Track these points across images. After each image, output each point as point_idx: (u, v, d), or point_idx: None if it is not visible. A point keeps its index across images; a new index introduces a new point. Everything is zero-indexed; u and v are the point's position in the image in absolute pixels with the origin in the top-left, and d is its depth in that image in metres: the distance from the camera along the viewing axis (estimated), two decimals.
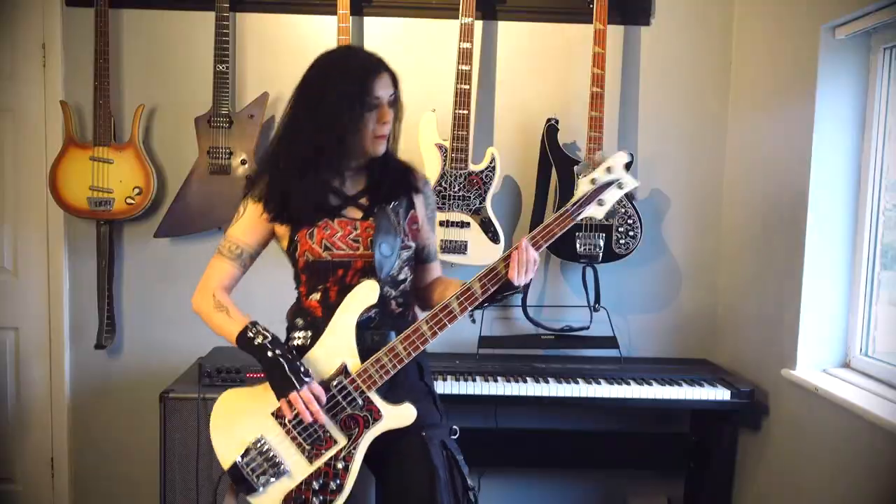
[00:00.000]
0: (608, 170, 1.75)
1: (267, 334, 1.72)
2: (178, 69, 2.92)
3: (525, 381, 2.63)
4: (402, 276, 1.83)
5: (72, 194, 2.77)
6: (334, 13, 2.73)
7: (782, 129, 2.59)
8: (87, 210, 2.79)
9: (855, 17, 2.24)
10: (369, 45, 2.91)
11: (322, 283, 1.79)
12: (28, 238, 2.97)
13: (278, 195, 1.76)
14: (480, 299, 1.71)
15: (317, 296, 1.79)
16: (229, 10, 2.77)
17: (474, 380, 2.62)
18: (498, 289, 1.72)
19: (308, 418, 1.66)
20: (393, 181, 1.83)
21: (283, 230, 1.80)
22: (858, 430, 2.14)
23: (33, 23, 2.88)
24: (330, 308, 1.76)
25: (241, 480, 1.71)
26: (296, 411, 1.66)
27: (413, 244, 1.85)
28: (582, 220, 1.75)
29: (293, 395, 1.64)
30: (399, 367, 1.71)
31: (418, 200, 1.87)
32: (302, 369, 1.67)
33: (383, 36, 2.92)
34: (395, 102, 1.76)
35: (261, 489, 1.71)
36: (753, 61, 2.83)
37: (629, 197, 1.76)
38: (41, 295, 2.98)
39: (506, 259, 1.70)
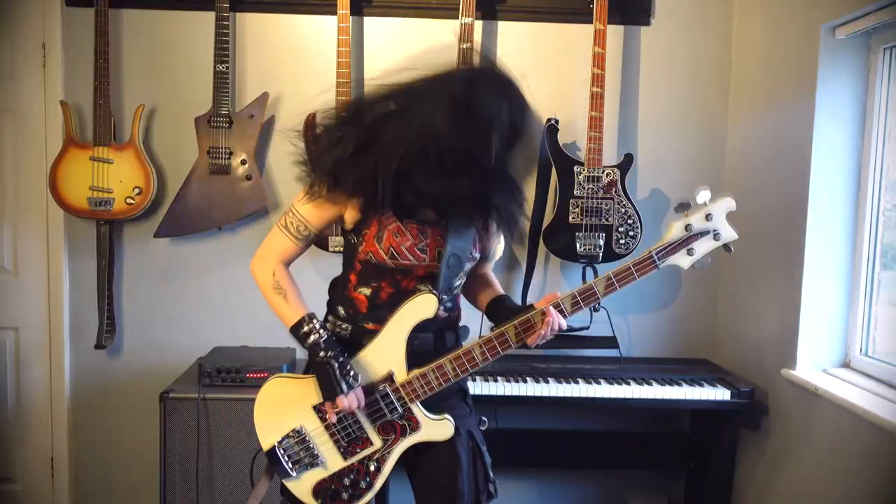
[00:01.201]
0: (707, 217, 1.58)
1: (321, 332, 1.69)
2: (178, 69, 2.92)
3: (525, 381, 2.63)
4: (456, 283, 1.81)
5: (72, 194, 2.77)
6: (334, 13, 2.73)
7: (782, 128, 2.59)
8: (87, 210, 2.79)
9: (855, 17, 2.25)
10: (369, 45, 2.91)
11: (376, 280, 1.76)
12: (28, 238, 2.97)
13: (370, 181, 1.64)
14: (544, 336, 1.69)
15: (366, 291, 1.77)
16: (229, 10, 2.77)
17: (474, 380, 2.62)
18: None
19: (349, 410, 1.68)
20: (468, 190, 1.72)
21: (351, 219, 1.73)
22: (858, 430, 2.14)
23: (33, 23, 2.88)
24: (376, 307, 1.75)
25: (277, 463, 1.75)
26: (338, 412, 1.69)
27: (479, 255, 1.82)
28: (665, 267, 1.59)
29: (339, 400, 1.66)
30: (444, 385, 1.71)
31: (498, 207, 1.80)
32: (351, 373, 1.67)
33: (383, 36, 2.91)
34: None
35: (294, 475, 1.75)
36: (753, 61, 2.83)
37: (725, 248, 1.62)
38: (41, 295, 2.98)
39: (544, 312, 1.67)
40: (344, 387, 1.65)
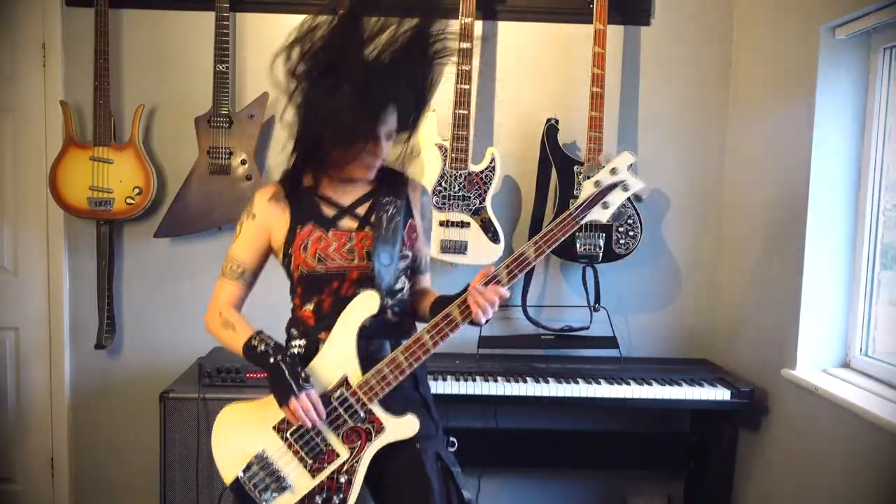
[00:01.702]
0: (612, 171, 1.72)
1: (269, 342, 1.72)
2: (178, 69, 2.92)
3: (525, 381, 2.63)
4: (398, 286, 1.81)
5: (72, 194, 2.77)
6: (334, 13, 2.73)
7: (782, 128, 2.59)
8: (87, 210, 2.79)
9: (855, 17, 2.24)
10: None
11: (317, 294, 1.77)
12: (28, 238, 2.97)
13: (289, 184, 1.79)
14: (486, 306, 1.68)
15: (310, 306, 1.78)
16: (229, 10, 2.77)
17: (474, 380, 2.62)
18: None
19: (308, 425, 1.65)
20: (390, 191, 1.80)
21: (278, 244, 1.79)
22: (858, 430, 2.14)
23: (33, 23, 2.88)
24: (323, 318, 1.75)
25: (244, 495, 1.70)
26: (297, 426, 1.66)
27: (410, 253, 1.83)
28: (586, 222, 1.72)
29: (292, 403, 1.63)
30: (401, 377, 1.69)
31: (416, 210, 1.85)
32: (302, 375, 1.66)
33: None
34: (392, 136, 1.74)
35: None
36: (753, 61, 2.83)
37: (635, 198, 1.73)
38: (41, 295, 2.98)
39: (490, 277, 1.68)
40: (295, 386, 1.63)
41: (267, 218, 1.79)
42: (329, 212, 1.78)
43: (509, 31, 2.95)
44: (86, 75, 2.82)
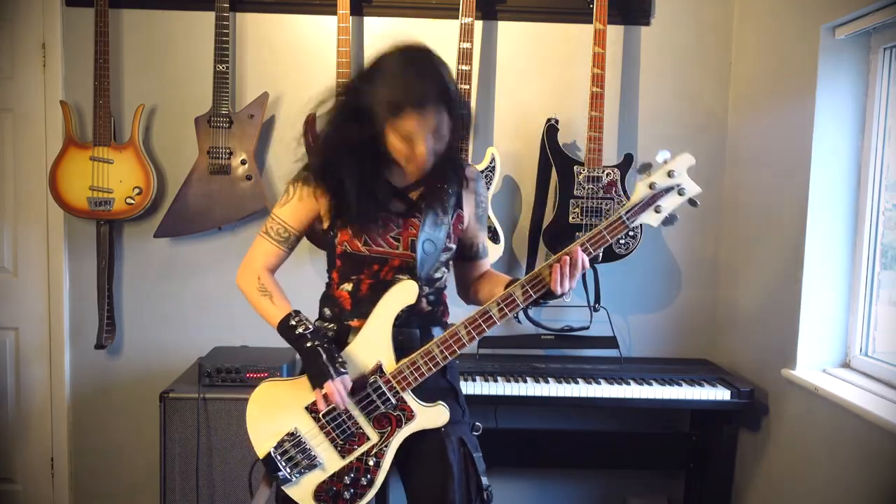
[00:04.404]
0: (669, 174, 1.63)
1: (308, 325, 1.72)
2: (178, 69, 2.92)
3: (525, 381, 2.63)
4: (437, 275, 1.82)
5: (72, 194, 2.77)
6: (334, 13, 2.74)
7: (782, 128, 2.59)
8: (87, 210, 2.79)
9: (855, 17, 2.25)
10: (369, 45, 2.92)
11: (356, 273, 1.77)
12: (28, 238, 2.97)
13: (335, 181, 1.72)
14: (522, 305, 1.69)
15: (348, 286, 1.78)
16: (229, 10, 2.77)
17: (474, 380, 2.62)
18: (541, 295, 1.69)
19: (342, 406, 1.67)
20: (443, 178, 1.76)
21: (326, 212, 1.77)
22: (858, 430, 2.14)
23: (33, 23, 2.88)
24: (359, 302, 1.76)
25: (275, 470, 1.73)
26: (330, 405, 1.67)
27: (454, 246, 1.82)
28: (636, 227, 1.66)
29: (328, 385, 1.64)
30: (434, 369, 1.71)
31: (468, 199, 1.82)
32: (339, 360, 1.68)
33: (383, 36, 2.91)
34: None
35: (293, 479, 1.73)
36: (753, 61, 2.83)
37: (691, 203, 1.66)
38: (41, 295, 2.98)
39: (551, 265, 1.66)
40: (332, 371, 1.64)
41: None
42: (380, 193, 1.74)
43: (509, 31, 2.95)
44: (86, 75, 2.82)
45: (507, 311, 1.68)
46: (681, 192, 1.64)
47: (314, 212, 1.78)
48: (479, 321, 1.69)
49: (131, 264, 2.98)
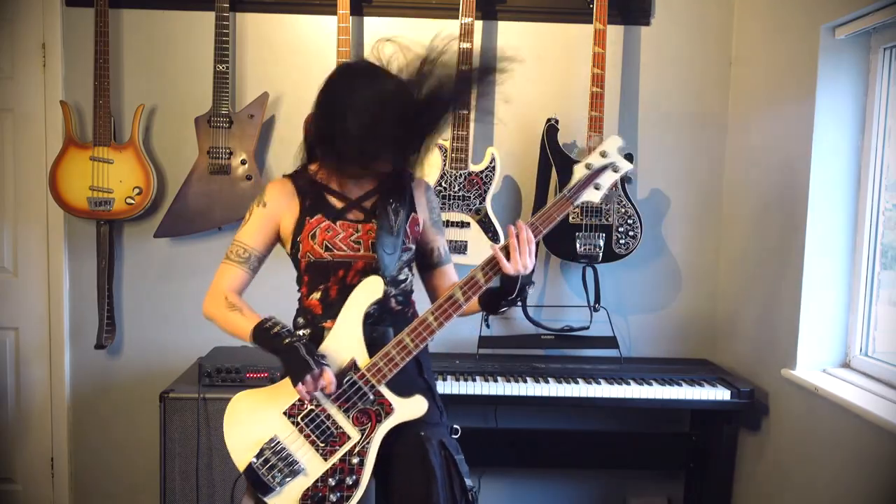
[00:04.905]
0: (602, 154, 1.81)
1: (283, 325, 1.74)
2: (178, 69, 2.92)
3: (525, 381, 2.63)
4: (402, 276, 1.85)
5: (72, 194, 2.77)
6: (334, 13, 2.73)
7: (782, 128, 2.59)
8: (87, 210, 2.79)
9: (855, 17, 2.24)
10: (369, 45, 2.91)
11: (323, 282, 1.81)
12: (28, 238, 2.97)
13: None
14: (484, 286, 1.73)
15: (317, 295, 1.82)
16: (229, 10, 2.77)
17: (474, 380, 2.62)
18: (502, 284, 1.74)
19: (331, 388, 1.68)
20: (394, 187, 1.84)
21: (286, 232, 1.83)
22: (858, 430, 2.14)
23: (33, 23, 2.88)
24: (329, 306, 1.79)
25: (258, 481, 1.72)
26: (313, 399, 1.69)
27: (413, 246, 1.87)
28: (580, 204, 1.81)
29: (308, 379, 1.64)
30: (408, 358, 1.72)
31: (420, 204, 1.89)
32: (318, 353, 1.69)
33: (383, 36, 2.91)
34: None
35: (277, 488, 1.72)
36: (753, 61, 2.83)
37: (624, 181, 1.83)
38: (41, 295, 2.98)
39: (506, 246, 1.72)
40: (312, 363, 1.64)
41: (277, 207, 1.82)
42: (338, 204, 1.82)
43: (509, 31, 2.95)
44: (86, 75, 2.82)
45: (470, 293, 1.73)
46: (615, 170, 1.82)
47: (273, 230, 1.83)
48: (445, 306, 1.73)
49: (131, 264, 2.98)
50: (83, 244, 2.95)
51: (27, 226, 2.97)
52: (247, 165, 2.80)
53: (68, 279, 2.98)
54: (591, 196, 1.81)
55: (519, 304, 1.82)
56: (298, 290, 1.88)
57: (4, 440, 3.02)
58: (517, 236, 1.70)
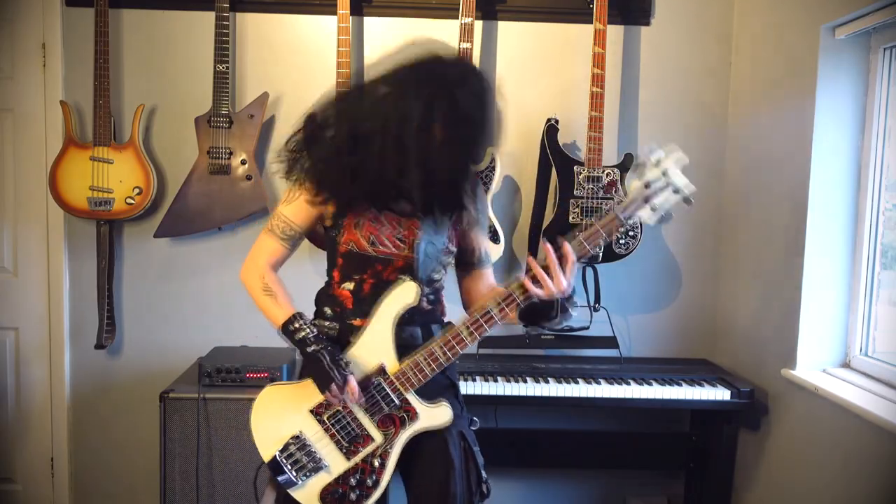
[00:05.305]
0: (664, 173, 1.64)
1: (309, 329, 1.73)
2: (178, 69, 2.92)
3: (525, 381, 2.63)
4: (436, 276, 1.85)
5: (72, 194, 2.77)
6: (334, 13, 2.73)
7: (782, 128, 2.59)
8: (87, 210, 2.79)
9: (855, 17, 2.25)
10: (369, 45, 2.92)
11: (359, 273, 1.79)
12: (28, 238, 2.97)
13: (334, 176, 1.72)
14: (522, 304, 1.69)
15: (350, 285, 1.80)
16: (229, 10, 2.77)
17: (474, 380, 2.62)
18: (541, 305, 1.70)
19: (354, 399, 1.68)
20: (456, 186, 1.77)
21: (330, 211, 1.78)
22: (858, 430, 2.14)
23: (33, 23, 2.88)
24: (361, 301, 1.78)
25: (281, 473, 1.74)
26: (335, 411, 1.71)
27: (455, 248, 1.86)
28: (632, 224, 1.71)
29: (334, 389, 1.66)
30: (437, 370, 1.73)
31: (468, 204, 1.83)
32: (342, 362, 1.69)
33: (383, 36, 2.91)
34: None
35: (299, 482, 1.74)
36: (753, 61, 2.83)
37: (686, 202, 1.67)
38: (41, 295, 2.98)
39: (545, 265, 1.67)
40: (337, 373, 1.66)
41: None
42: (386, 192, 1.76)
43: (509, 31, 2.95)
44: (86, 75, 2.82)
45: (507, 309, 1.70)
46: (676, 191, 1.65)
47: (318, 211, 1.79)
48: (481, 320, 1.71)
49: (131, 264, 2.98)
50: (83, 244, 2.95)
51: (27, 226, 2.96)
52: (247, 165, 2.80)
53: (68, 279, 2.98)
54: (647, 217, 1.65)
55: (565, 324, 1.75)
56: (328, 274, 1.86)
57: (4, 440, 3.02)
58: (561, 256, 1.64)
